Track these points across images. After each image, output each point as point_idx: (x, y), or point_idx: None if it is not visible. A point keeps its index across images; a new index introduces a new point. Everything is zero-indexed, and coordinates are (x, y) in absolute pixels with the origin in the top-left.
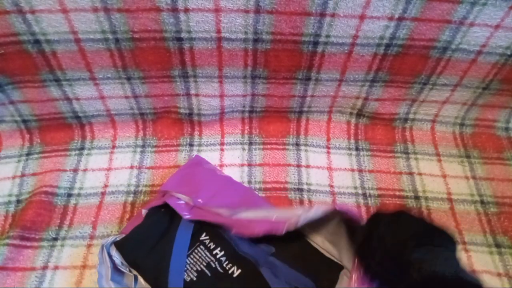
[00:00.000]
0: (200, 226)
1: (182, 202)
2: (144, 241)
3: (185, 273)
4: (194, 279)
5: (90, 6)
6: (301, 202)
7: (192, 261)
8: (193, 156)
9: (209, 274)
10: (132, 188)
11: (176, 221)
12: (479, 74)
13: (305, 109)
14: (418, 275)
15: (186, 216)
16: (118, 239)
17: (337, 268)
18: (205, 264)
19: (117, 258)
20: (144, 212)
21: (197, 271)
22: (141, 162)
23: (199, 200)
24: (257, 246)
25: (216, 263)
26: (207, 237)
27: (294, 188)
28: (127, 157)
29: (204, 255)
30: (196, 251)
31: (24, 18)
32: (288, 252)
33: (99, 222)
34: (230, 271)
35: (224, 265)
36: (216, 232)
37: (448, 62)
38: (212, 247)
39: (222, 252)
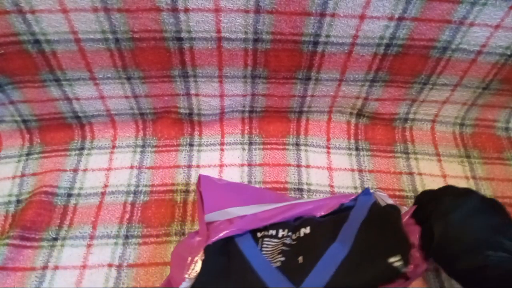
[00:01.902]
0: (252, 230)
1: (245, 221)
2: (218, 273)
3: (271, 264)
4: (283, 259)
5: (90, 6)
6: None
7: (269, 253)
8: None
9: (290, 248)
10: (132, 188)
11: (230, 239)
12: (479, 74)
13: (305, 109)
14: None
15: (263, 224)
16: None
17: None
18: (281, 245)
19: None
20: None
21: (279, 253)
22: (141, 162)
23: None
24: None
25: (288, 239)
26: (263, 231)
27: (294, 188)
28: (127, 157)
29: (273, 243)
30: (264, 245)
31: (24, 18)
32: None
33: (99, 222)
34: (302, 234)
35: (294, 236)
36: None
37: (448, 62)
38: (274, 233)
39: (286, 230)
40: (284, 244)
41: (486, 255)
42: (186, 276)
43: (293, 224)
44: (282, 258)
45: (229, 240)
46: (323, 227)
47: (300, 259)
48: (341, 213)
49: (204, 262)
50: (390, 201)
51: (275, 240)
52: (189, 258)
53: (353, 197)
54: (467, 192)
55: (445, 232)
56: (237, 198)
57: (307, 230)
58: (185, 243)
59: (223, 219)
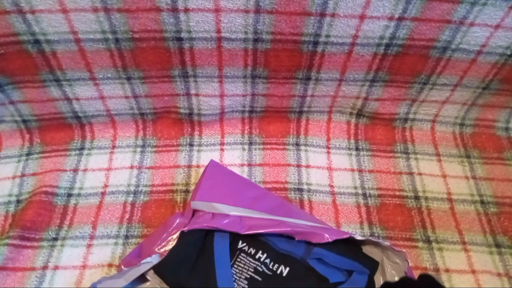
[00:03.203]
0: (234, 235)
1: (226, 221)
2: (184, 262)
3: (235, 283)
4: (246, 287)
5: (90, 6)
6: (301, 202)
7: (238, 270)
8: (209, 163)
9: (260, 279)
10: (132, 188)
11: (210, 234)
12: (479, 74)
13: (305, 109)
14: None
15: (243, 231)
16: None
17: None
18: (252, 270)
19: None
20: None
21: (246, 278)
22: (141, 162)
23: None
24: (295, 242)
25: (263, 266)
26: (245, 244)
27: (294, 188)
28: (127, 157)
29: (248, 262)
30: (238, 259)
31: (24, 18)
32: (330, 244)
33: (99, 222)
34: (278, 271)
35: (271, 266)
36: (252, 237)
37: (448, 62)
38: (253, 252)
39: (265, 255)
40: (256, 271)
41: None
42: (156, 250)
43: (277, 251)
44: (246, 285)
45: (207, 235)
46: (302, 283)
47: None
48: (326, 278)
49: (174, 247)
50: (393, 253)
51: (250, 260)
52: (164, 235)
53: (347, 236)
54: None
55: None
56: (231, 196)
57: (285, 271)
58: (169, 221)
59: (207, 211)
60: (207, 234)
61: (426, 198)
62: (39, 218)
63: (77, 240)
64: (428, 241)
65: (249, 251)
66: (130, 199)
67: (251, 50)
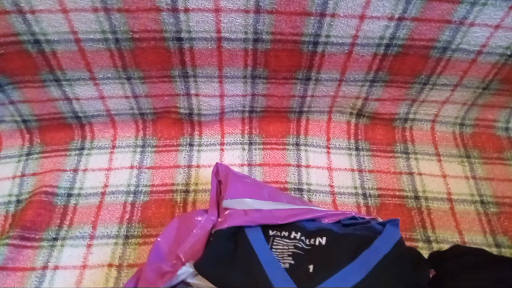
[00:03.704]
0: (264, 226)
1: (260, 214)
2: (223, 255)
3: (280, 263)
4: (293, 262)
5: (90, 6)
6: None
7: (278, 252)
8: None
9: (302, 253)
10: (132, 188)
11: (240, 230)
12: (479, 74)
13: (305, 109)
14: None
15: (281, 221)
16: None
17: None
18: (292, 247)
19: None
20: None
21: (289, 255)
22: (141, 162)
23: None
24: (321, 223)
25: (300, 242)
26: (275, 231)
27: (294, 188)
28: (127, 157)
29: (285, 243)
30: (275, 243)
31: (24, 18)
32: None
33: (99, 222)
34: (317, 243)
35: (308, 242)
36: (281, 225)
37: (448, 62)
38: (286, 234)
39: (299, 234)
40: (296, 247)
41: None
42: (184, 252)
43: (308, 229)
44: (292, 261)
45: (238, 231)
46: (342, 245)
47: (311, 268)
48: (362, 234)
49: (211, 244)
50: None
51: (286, 241)
52: (190, 235)
53: (379, 220)
54: (473, 250)
55: None
56: (255, 192)
57: (323, 240)
58: (189, 220)
59: (238, 208)
60: (238, 230)
61: (426, 198)
62: (39, 218)
63: (77, 240)
64: (428, 241)
65: (282, 234)
66: (130, 199)
67: (251, 50)
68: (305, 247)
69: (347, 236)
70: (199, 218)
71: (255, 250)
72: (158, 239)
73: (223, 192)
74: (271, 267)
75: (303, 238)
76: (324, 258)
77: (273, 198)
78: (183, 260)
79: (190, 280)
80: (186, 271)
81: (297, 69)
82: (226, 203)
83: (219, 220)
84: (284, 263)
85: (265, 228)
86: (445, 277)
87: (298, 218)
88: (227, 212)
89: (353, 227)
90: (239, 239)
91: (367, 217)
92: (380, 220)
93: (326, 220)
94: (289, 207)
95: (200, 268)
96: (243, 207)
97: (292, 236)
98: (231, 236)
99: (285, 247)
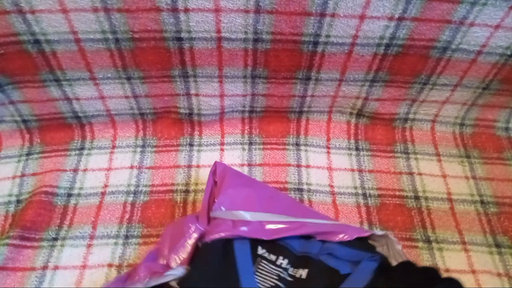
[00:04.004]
0: (254, 239)
1: (248, 227)
2: (208, 275)
3: None
4: None
5: (90, 6)
6: (301, 202)
7: (261, 279)
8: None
9: (283, 286)
10: (132, 188)
11: (229, 241)
12: (479, 74)
13: (305, 109)
14: None
15: (267, 237)
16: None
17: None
18: (275, 278)
19: None
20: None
21: (271, 286)
22: (141, 162)
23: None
24: (308, 241)
25: (284, 272)
26: (264, 250)
27: (294, 188)
28: (127, 157)
29: (270, 269)
30: (260, 267)
31: (24, 18)
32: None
33: (99, 222)
34: (298, 275)
35: (291, 272)
36: (271, 241)
37: (448, 62)
38: (274, 259)
39: (286, 260)
40: (279, 277)
41: None
42: (174, 256)
43: (296, 254)
44: None
45: (227, 242)
46: (320, 280)
47: None
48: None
49: (197, 260)
50: (399, 248)
51: (272, 267)
52: (181, 241)
53: (368, 233)
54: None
55: None
56: (248, 200)
57: (304, 274)
58: (183, 224)
59: (227, 218)
60: (227, 241)
61: (426, 198)
62: (39, 218)
63: (77, 240)
64: (428, 241)
65: (270, 258)
66: (130, 199)
67: (251, 50)
68: (288, 278)
69: (326, 272)
70: (190, 227)
71: (239, 274)
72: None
73: (216, 198)
74: None
75: (288, 267)
76: None
77: (269, 208)
78: (172, 266)
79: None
80: (173, 273)
81: (297, 69)
82: (213, 214)
83: (208, 229)
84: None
85: (255, 242)
86: None
87: (287, 234)
88: (215, 221)
89: (333, 258)
90: (227, 253)
91: (364, 233)
92: (379, 233)
93: (318, 238)
94: (282, 219)
95: (184, 285)
96: (231, 218)
97: (278, 263)
98: (217, 248)
99: (268, 274)
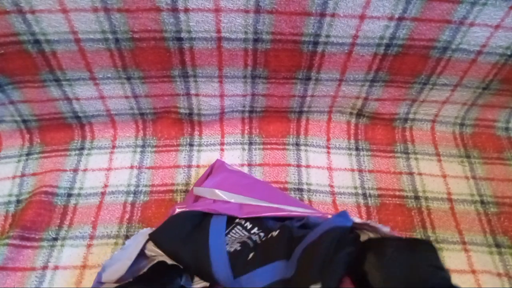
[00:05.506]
0: (232, 217)
1: (227, 205)
2: (178, 230)
3: (228, 247)
4: (239, 248)
5: (90, 6)
6: (301, 201)
7: (231, 238)
8: (216, 161)
9: (251, 244)
10: (132, 188)
11: (208, 215)
12: (479, 74)
13: (305, 109)
14: None
15: (242, 215)
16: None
17: None
18: (246, 238)
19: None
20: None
21: (239, 242)
22: (141, 162)
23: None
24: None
25: (256, 236)
26: (242, 220)
27: (294, 188)
28: (127, 157)
29: (242, 234)
30: (233, 231)
31: (24, 18)
32: None
33: (99, 222)
34: (269, 236)
35: (263, 237)
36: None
37: (448, 62)
38: (249, 227)
39: (260, 231)
40: (250, 238)
41: None
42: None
43: (270, 227)
44: (238, 247)
45: (205, 216)
46: (288, 239)
47: (251, 255)
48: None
49: (170, 218)
50: (387, 230)
51: (245, 232)
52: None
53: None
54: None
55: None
56: (232, 185)
57: (275, 233)
58: (169, 212)
59: (208, 198)
60: (205, 216)
61: (426, 198)
62: (39, 218)
63: (77, 240)
64: None
65: (245, 225)
66: (130, 199)
67: (251, 50)
68: (258, 241)
69: (294, 234)
70: (175, 208)
71: (209, 231)
72: None
73: (200, 181)
74: (216, 248)
75: (261, 234)
76: (265, 249)
77: (250, 193)
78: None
79: (147, 252)
80: (145, 231)
81: (297, 69)
82: (196, 190)
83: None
84: (231, 247)
85: (232, 218)
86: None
87: (261, 214)
88: (199, 199)
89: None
90: (202, 221)
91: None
92: (357, 220)
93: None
94: (261, 204)
95: (154, 237)
96: (213, 197)
97: (252, 231)
98: (194, 215)
99: (240, 235)
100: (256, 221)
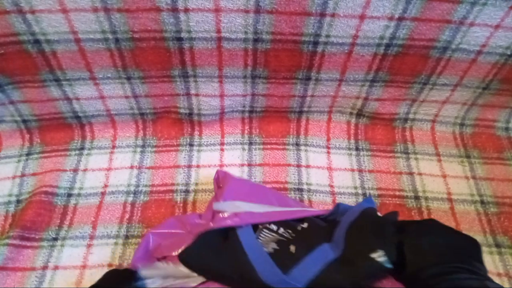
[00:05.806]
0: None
1: (249, 217)
2: (208, 248)
3: (264, 249)
4: (277, 247)
5: (90, 6)
6: (301, 202)
7: (264, 240)
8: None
9: (285, 240)
10: (132, 188)
11: (232, 229)
12: (479, 74)
13: (305, 109)
14: None
15: (269, 224)
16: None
17: None
18: (278, 236)
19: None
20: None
21: (274, 242)
22: (141, 162)
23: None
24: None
25: (286, 233)
26: (264, 224)
27: (294, 188)
28: (127, 157)
29: (271, 235)
30: (262, 235)
31: (24, 18)
32: None
33: (99, 222)
34: (299, 228)
35: (292, 233)
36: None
37: (448, 62)
38: (275, 228)
39: (287, 229)
40: (281, 235)
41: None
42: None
43: (294, 225)
44: (276, 247)
45: (229, 230)
46: (320, 227)
47: (292, 248)
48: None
49: (201, 235)
50: None
51: (273, 234)
52: (185, 236)
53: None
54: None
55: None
56: (248, 195)
57: (304, 225)
58: (184, 219)
59: (230, 211)
60: (229, 230)
61: (426, 198)
62: (39, 218)
63: (77, 240)
64: None
65: (270, 227)
66: (130, 199)
67: (251, 50)
68: (289, 237)
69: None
70: (194, 221)
71: (241, 240)
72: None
73: (218, 198)
74: (255, 253)
75: (289, 231)
76: (305, 239)
77: (266, 201)
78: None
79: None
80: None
81: (297, 69)
82: (216, 205)
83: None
84: (268, 248)
85: (255, 225)
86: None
87: (282, 218)
88: (218, 216)
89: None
90: (228, 234)
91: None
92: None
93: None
94: (280, 209)
95: (183, 256)
96: (234, 209)
97: (279, 232)
98: (218, 234)
99: (271, 236)
100: (278, 222)
